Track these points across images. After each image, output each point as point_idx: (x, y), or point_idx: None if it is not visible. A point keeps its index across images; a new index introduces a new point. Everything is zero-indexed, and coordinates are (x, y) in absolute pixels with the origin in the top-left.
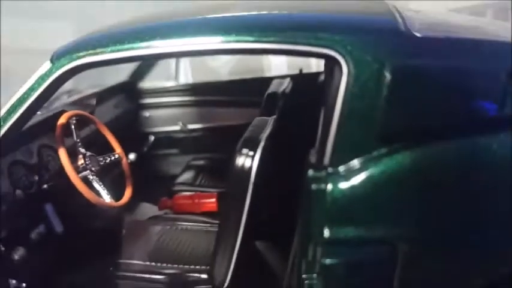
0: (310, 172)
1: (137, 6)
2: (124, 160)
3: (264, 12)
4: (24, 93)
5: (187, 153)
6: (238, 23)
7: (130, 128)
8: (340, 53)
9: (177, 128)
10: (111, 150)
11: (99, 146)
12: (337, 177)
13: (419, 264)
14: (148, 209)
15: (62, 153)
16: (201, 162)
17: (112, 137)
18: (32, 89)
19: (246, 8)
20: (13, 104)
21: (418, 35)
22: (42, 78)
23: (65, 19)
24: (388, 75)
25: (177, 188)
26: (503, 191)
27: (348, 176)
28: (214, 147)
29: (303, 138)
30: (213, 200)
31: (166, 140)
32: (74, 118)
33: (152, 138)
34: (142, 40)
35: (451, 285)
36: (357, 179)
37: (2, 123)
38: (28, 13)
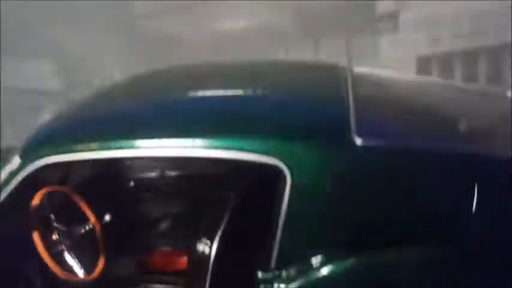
0: (259, 273)
1: (117, 47)
2: (97, 229)
3: None
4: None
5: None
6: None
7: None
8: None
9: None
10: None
11: (75, 212)
12: (281, 280)
13: None
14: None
15: (36, 237)
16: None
17: (85, 206)
18: (7, 181)
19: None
20: None
21: (360, 143)
22: (14, 172)
23: (46, 57)
24: (328, 188)
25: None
26: None
27: (290, 281)
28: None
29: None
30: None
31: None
32: (47, 194)
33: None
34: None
35: None
36: (297, 284)
37: None
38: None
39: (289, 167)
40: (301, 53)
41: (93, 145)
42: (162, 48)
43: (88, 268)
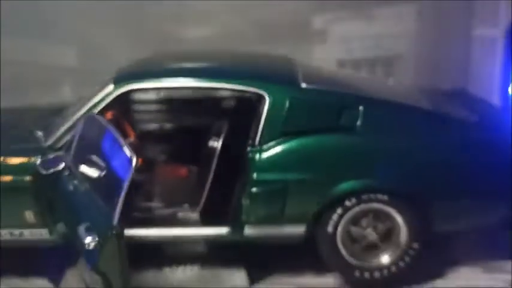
0: (249, 148)
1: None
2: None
3: None
4: (90, 107)
5: None
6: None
7: None
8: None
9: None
10: None
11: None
12: (261, 149)
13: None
14: None
15: None
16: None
17: (128, 126)
18: (95, 105)
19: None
20: (81, 115)
21: (305, 86)
22: (105, 97)
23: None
24: (286, 104)
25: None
26: None
27: (266, 149)
28: None
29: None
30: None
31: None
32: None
33: None
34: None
35: None
36: (270, 151)
37: (61, 135)
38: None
39: (268, 95)
40: None
41: (158, 79)
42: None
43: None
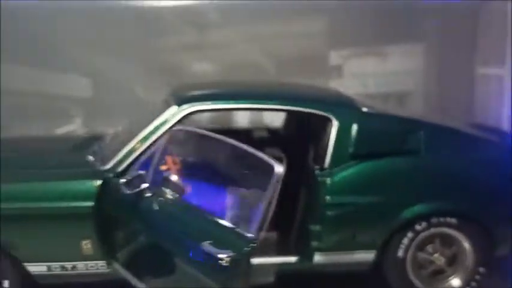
0: (317, 171)
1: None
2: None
3: None
4: (154, 129)
5: None
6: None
7: None
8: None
9: None
10: None
11: None
12: (332, 172)
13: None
14: None
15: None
16: None
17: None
18: (158, 127)
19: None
20: (144, 137)
21: (367, 110)
22: (169, 118)
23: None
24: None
25: None
26: None
27: (338, 172)
28: None
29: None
30: None
31: None
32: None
33: None
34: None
35: None
36: (343, 174)
37: (125, 158)
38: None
39: (335, 118)
40: None
41: (220, 101)
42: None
43: None
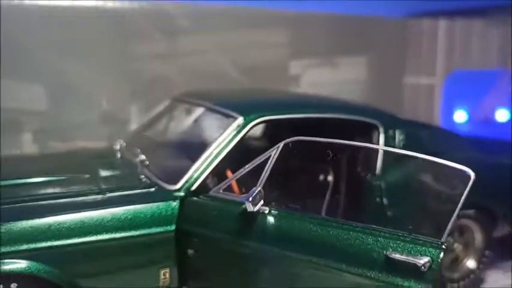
0: (369, 176)
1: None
2: None
3: None
4: (224, 143)
5: None
6: None
7: None
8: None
9: None
10: None
11: None
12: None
13: None
14: None
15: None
16: None
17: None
18: (229, 140)
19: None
20: (216, 153)
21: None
22: (239, 130)
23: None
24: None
25: None
26: None
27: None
28: None
29: None
30: None
31: None
32: None
33: None
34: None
35: None
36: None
37: (206, 167)
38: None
39: (381, 124)
40: None
41: (283, 111)
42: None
43: None
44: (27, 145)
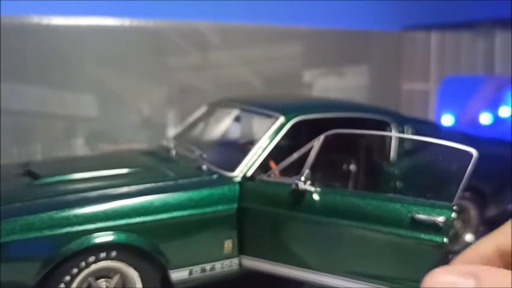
0: (386, 166)
1: (148, 90)
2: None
3: None
4: (270, 138)
5: None
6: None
7: None
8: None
9: None
10: None
11: None
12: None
13: None
14: None
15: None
16: None
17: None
18: (272, 137)
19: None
20: (265, 146)
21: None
22: (280, 128)
23: (87, 91)
24: (406, 130)
25: None
26: None
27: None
28: None
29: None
30: None
31: None
32: None
33: None
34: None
35: None
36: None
37: (257, 158)
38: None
39: (392, 122)
40: None
41: (318, 112)
42: (184, 95)
43: None
44: (80, 148)
